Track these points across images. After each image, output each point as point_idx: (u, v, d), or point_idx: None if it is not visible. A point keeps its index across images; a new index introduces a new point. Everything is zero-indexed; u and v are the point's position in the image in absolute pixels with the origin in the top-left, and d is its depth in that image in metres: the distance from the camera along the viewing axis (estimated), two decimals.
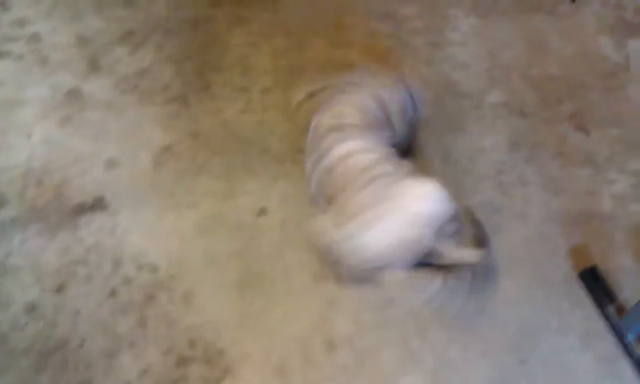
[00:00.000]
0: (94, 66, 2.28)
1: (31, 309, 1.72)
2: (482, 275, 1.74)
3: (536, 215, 1.90)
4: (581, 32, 2.45)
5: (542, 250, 1.83)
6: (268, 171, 1.99)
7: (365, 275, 1.73)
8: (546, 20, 2.49)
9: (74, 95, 2.19)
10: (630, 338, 1.59)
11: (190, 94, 2.21)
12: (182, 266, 1.81)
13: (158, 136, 2.09)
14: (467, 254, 1.71)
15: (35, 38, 2.35)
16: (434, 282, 1.69)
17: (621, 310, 1.64)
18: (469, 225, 1.82)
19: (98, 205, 1.91)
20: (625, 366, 1.63)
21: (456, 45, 2.38)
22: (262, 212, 1.90)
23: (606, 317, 1.66)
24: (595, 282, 1.72)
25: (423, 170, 1.98)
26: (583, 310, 1.71)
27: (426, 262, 1.71)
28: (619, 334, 1.62)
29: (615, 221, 1.89)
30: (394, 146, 1.86)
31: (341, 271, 1.75)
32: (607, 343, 1.65)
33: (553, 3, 2.56)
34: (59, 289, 1.75)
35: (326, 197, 1.82)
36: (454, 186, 1.94)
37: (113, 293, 1.75)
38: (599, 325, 1.68)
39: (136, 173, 2.00)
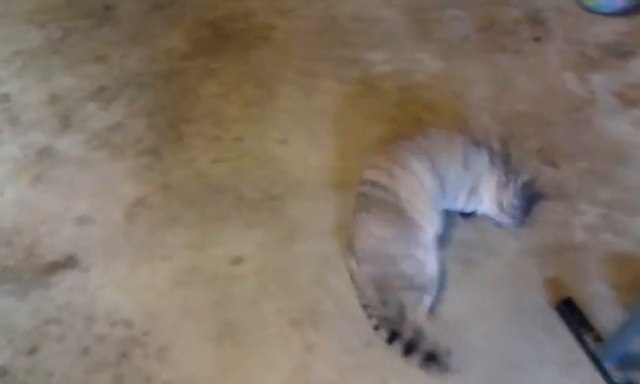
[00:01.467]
0: (65, 123, 2.29)
1: (2, 373, 1.68)
2: None
3: (510, 249, 1.90)
4: (545, 69, 2.51)
5: (517, 283, 1.83)
6: (242, 219, 1.99)
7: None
8: (512, 59, 2.55)
9: (45, 153, 2.19)
10: (609, 365, 1.59)
11: (162, 147, 2.22)
12: (156, 319, 1.78)
13: (130, 190, 2.08)
14: None
15: (6, 97, 2.37)
16: None
17: (598, 339, 1.64)
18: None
19: (69, 263, 1.89)
20: None
21: (425, 87, 2.42)
22: (238, 261, 1.89)
23: (584, 346, 1.66)
24: (572, 313, 1.72)
25: None
26: (562, 340, 1.70)
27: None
28: (598, 362, 1.62)
29: (588, 251, 1.90)
30: None
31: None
32: (587, 372, 1.64)
33: (517, 43, 2.62)
34: (31, 351, 1.72)
35: None
36: None
37: (86, 351, 1.71)
38: (578, 354, 1.67)
39: (108, 228, 1.99)
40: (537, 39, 2.65)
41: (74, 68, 2.51)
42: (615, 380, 1.59)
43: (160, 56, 2.58)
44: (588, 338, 1.66)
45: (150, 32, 2.70)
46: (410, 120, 2.28)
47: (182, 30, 2.71)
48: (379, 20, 2.73)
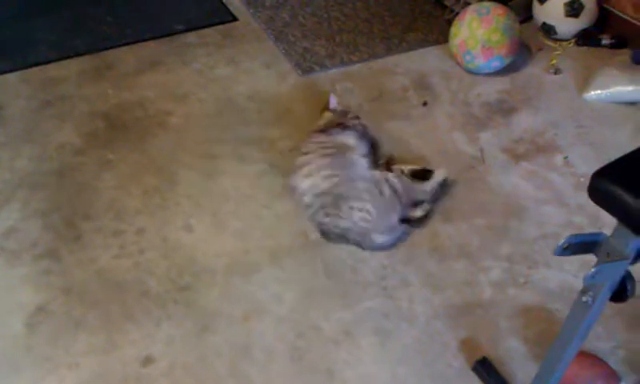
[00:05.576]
0: None
1: None
2: None
3: (422, 314, 1.93)
4: (436, 131, 2.61)
5: (432, 348, 1.84)
6: (149, 316, 1.92)
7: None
8: (404, 124, 2.64)
9: None
10: None
11: (60, 248, 2.12)
12: None
13: (28, 297, 1.97)
14: None
15: None
16: None
17: None
18: None
19: None
20: None
21: None
22: (148, 360, 1.82)
23: None
24: (488, 373, 1.74)
25: (308, 286, 2.00)
26: None
27: None
28: None
29: (497, 307, 1.95)
30: None
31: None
32: None
33: (407, 109, 2.73)
34: None
35: None
36: (340, 298, 1.96)
37: None
38: None
39: (8, 341, 1.87)
40: (425, 104, 2.76)
41: None
42: None
43: (51, 153, 2.50)
44: None
45: (40, 130, 2.62)
46: None
47: (73, 125, 2.64)
48: (274, 98, 2.77)
